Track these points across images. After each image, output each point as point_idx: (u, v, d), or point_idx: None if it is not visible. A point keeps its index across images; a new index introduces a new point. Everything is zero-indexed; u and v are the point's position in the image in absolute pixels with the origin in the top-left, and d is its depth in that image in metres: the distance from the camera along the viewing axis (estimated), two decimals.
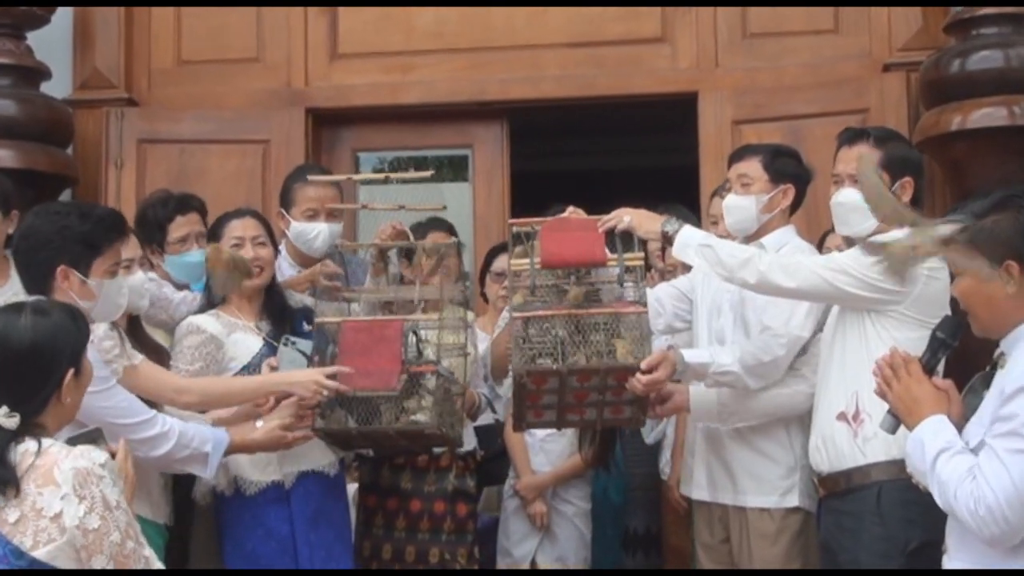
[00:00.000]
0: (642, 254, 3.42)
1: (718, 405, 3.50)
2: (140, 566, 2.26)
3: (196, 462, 3.17)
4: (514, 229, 3.47)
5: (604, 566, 4.39)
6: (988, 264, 2.40)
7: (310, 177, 4.06)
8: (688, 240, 3.36)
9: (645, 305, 3.36)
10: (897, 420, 2.35)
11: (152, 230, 3.98)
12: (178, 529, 3.48)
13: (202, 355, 3.45)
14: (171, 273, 3.87)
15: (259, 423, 3.34)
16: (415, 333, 3.50)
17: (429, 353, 3.48)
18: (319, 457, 3.51)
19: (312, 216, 3.97)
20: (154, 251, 3.97)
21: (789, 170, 3.62)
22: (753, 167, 3.63)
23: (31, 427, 2.27)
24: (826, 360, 3.36)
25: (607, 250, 3.43)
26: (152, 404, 3.26)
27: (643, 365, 3.24)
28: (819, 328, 3.44)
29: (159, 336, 3.73)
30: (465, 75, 5.03)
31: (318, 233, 3.95)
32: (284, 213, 4.00)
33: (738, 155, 3.75)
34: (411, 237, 3.77)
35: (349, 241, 4.14)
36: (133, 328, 3.45)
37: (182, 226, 3.86)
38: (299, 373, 3.38)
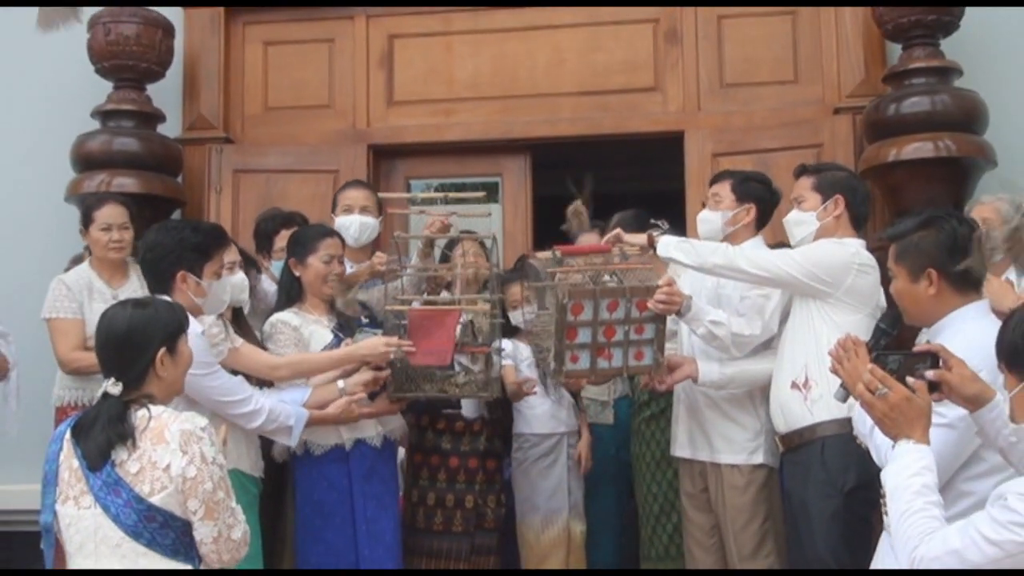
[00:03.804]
0: (641, 237, 3.55)
1: (720, 374, 3.53)
2: (227, 514, 2.33)
3: (282, 433, 3.27)
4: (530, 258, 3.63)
5: (615, 519, 4.32)
6: (914, 271, 2.50)
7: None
8: (668, 241, 3.47)
9: (649, 262, 3.51)
10: (847, 392, 2.35)
11: (263, 239, 4.17)
12: (275, 481, 3.61)
13: (293, 342, 3.54)
14: (276, 275, 3.92)
15: (340, 384, 3.44)
16: (472, 322, 3.64)
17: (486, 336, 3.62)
18: (369, 429, 3.59)
19: (348, 211, 4.05)
20: (264, 256, 4.12)
21: (753, 192, 3.69)
22: (723, 188, 3.71)
23: (142, 397, 2.36)
24: (781, 341, 3.46)
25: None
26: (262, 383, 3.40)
27: (660, 282, 3.35)
28: (784, 321, 3.53)
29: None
30: (496, 118, 5.08)
31: (351, 223, 4.01)
32: (333, 217, 4.10)
33: (716, 178, 3.84)
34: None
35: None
36: (237, 319, 3.55)
37: (285, 237, 3.91)
38: (368, 342, 3.47)
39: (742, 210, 3.66)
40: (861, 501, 3.08)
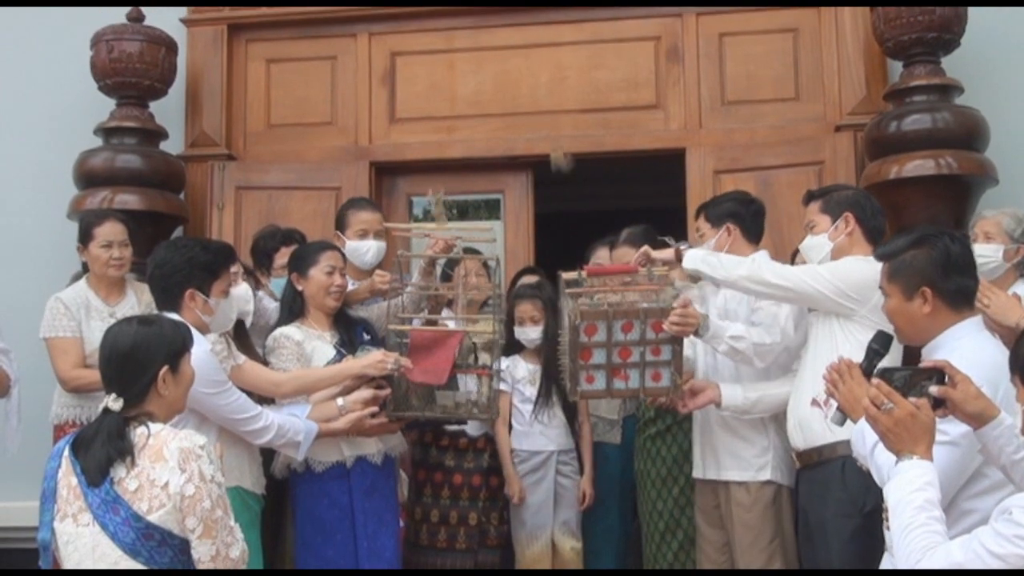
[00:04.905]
0: (669, 252, 3.53)
1: (743, 399, 3.51)
2: (225, 533, 2.32)
3: (291, 448, 3.29)
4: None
5: (618, 538, 4.29)
6: (908, 289, 2.51)
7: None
8: (695, 254, 3.47)
9: (672, 284, 3.48)
10: (844, 415, 2.36)
11: (261, 256, 4.15)
12: (276, 499, 3.61)
13: (295, 357, 3.54)
14: (275, 292, 3.94)
15: (339, 401, 3.43)
16: (474, 344, 3.65)
17: (484, 359, 3.66)
18: (370, 446, 3.60)
19: (363, 235, 4.02)
20: (263, 273, 4.09)
21: (725, 212, 3.68)
22: (700, 222, 3.74)
23: (142, 415, 2.36)
24: (802, 359, 3.44)
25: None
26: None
27: (675, 304, 3.31)
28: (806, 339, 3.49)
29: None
30: (498, 135, 5.08)
31: (368, 248, 4.00)
32: (340, 235, 4.05)
33: (695, 214, 3.86)
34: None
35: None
36: (240, 336, 3.54)
37: (285, 255, 3.93)
38: (367, 357, 3.47)
39: (722, 233, 3.66)
40: (880, 523, 3.00)
